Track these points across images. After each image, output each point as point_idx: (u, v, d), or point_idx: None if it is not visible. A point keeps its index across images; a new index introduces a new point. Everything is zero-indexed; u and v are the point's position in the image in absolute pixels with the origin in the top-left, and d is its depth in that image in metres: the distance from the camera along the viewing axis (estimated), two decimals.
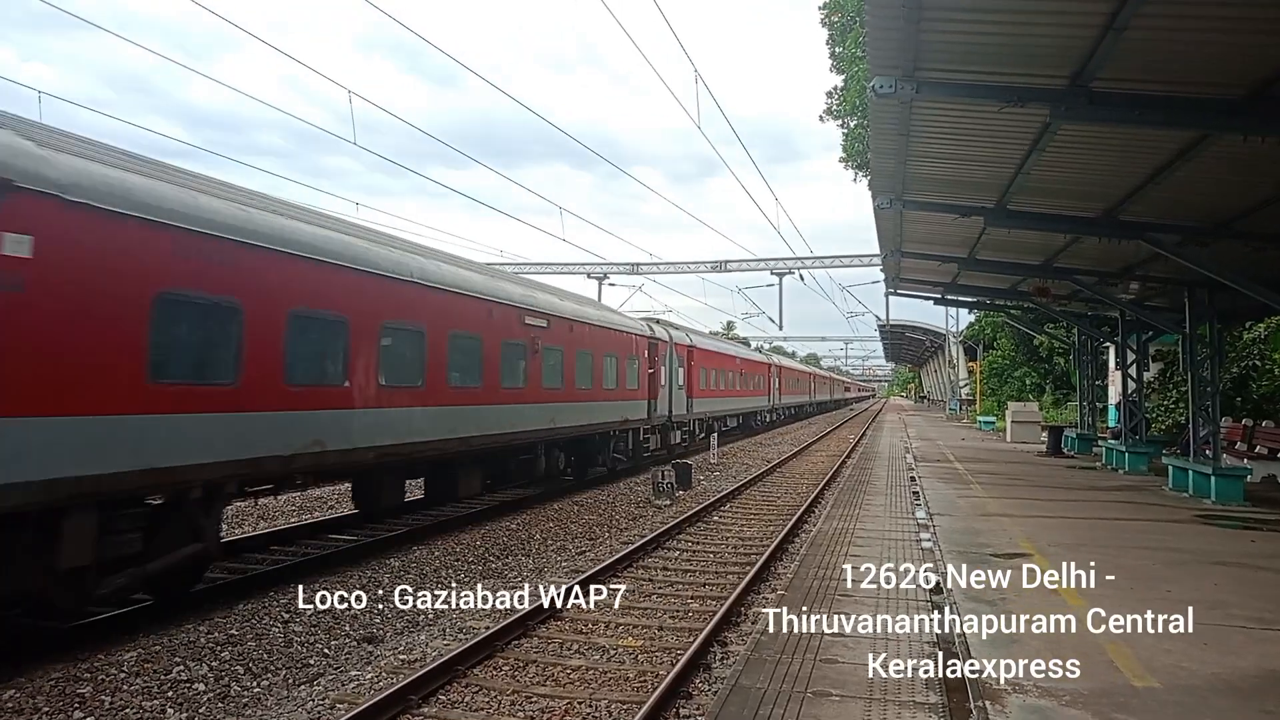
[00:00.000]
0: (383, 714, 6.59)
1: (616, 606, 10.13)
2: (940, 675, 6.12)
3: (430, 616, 10.06)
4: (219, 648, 8.49)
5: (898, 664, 6.37)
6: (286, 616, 9.58)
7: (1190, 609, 7.90)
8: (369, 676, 7.80)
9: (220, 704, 7.33)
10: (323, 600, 10.04)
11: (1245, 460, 20.18)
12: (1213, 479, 16.22)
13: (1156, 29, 7.92)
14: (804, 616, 7.63)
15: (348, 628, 9.48)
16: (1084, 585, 8.82)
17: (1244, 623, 7.53)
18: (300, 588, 10.42)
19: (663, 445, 26.83)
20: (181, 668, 7.96)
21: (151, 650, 8.28)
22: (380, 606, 10.27)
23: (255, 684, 7.83)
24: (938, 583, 9.01)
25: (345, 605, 10.05)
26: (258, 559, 12.10)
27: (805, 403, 67.58)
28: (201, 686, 7.61)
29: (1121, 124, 9.70)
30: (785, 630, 7.22)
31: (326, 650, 8.78)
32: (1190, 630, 7.21)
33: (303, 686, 7.74)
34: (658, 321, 29.22)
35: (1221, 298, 18.96)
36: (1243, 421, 23.54)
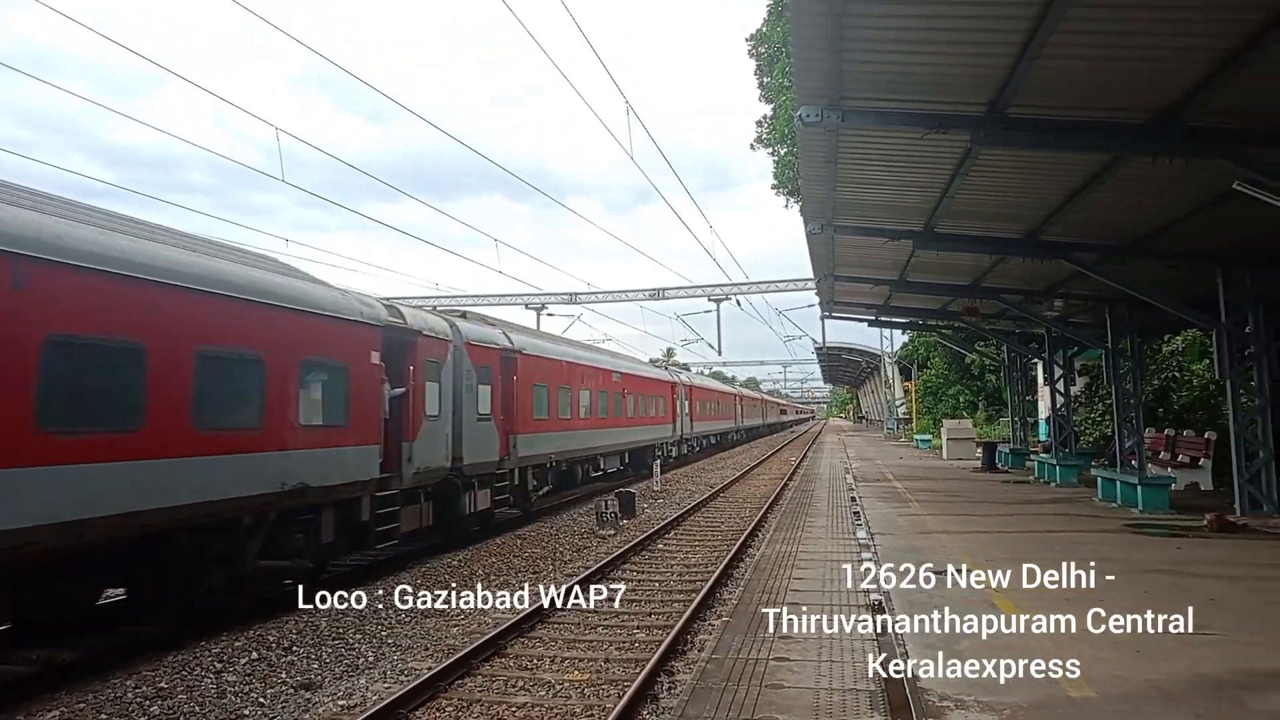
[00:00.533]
0: None
1: (562, 640, 10.02)
2: (884, 695, 6.16)
3: (370, 660, 9.82)
4: (147, 702, 8.15)
5: (843, 686, 6.40)
6: (219, 666, 9.25)
7: (1124, 619, 8.12)
8: None
9: None
10: (259, 646, 9.84)
11: (1169, 469, 20.84)
12: (1139, 489, 16.71)
13: (1066, 58, 8.24)
14: (749, 642, 7.64)
15: (284, 675, 9.18)
16: (1020, 599, 9.00)
17: (1174, 629, 7.72)
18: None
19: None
20: None
21: (75, 709, 7.92)
22: (318, 651, 10.01)
23: None
24: (880, 601, 9.09)
25: (281, 651, 9.85)
26: (190, 606, 11.67)
27: (729, 429, 57.20)
28: None
29: (1038, 148, 10.06)
30: (731, 657, 7.20)
31: (262, 699, 8.49)
32: (1123, 639, 7.39)
33: None
34: (435, 311, 18.17)
35: (1140, 313, 19.69)
36: (1165, 431, 24.34)
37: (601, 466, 27.72)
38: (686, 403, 44.30)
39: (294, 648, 10.03)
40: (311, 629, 10.74)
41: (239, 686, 8.77)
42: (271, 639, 10.21)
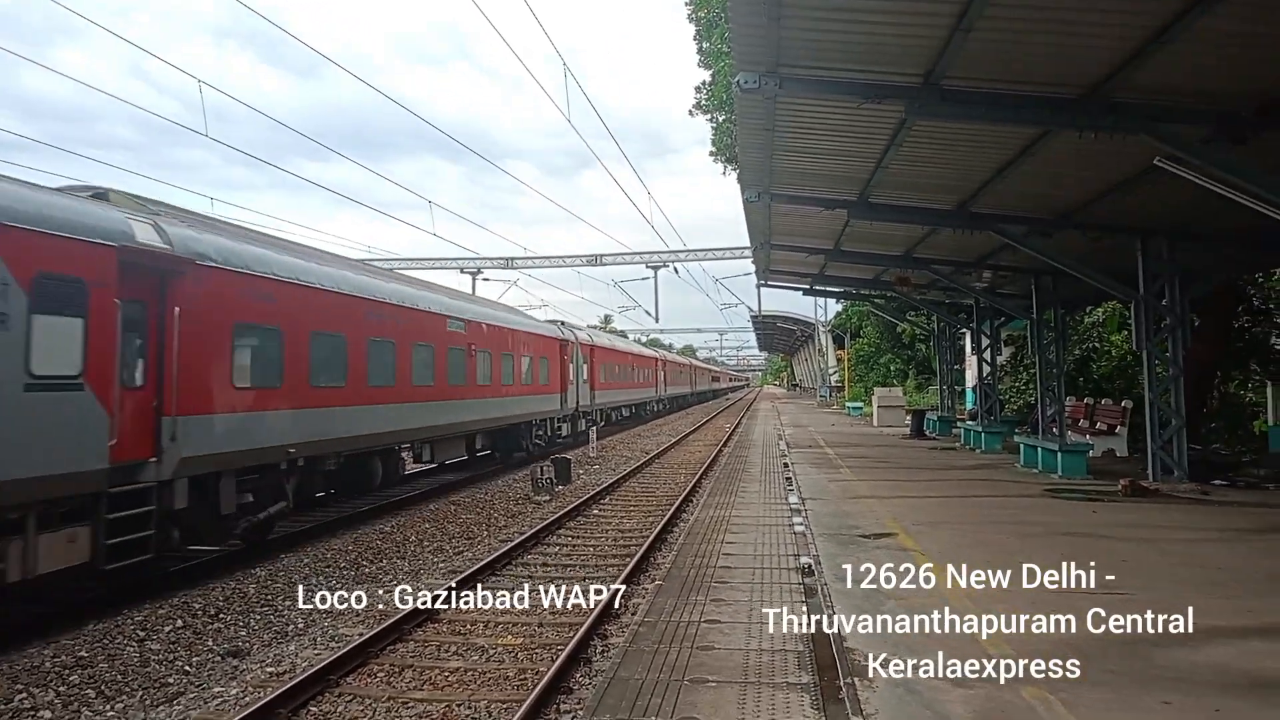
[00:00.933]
0: None
1: (496, 605, 10.01)
2: (812, 655, 6.29)
3: (300, 626, 9.70)
4: (66, 671, 7.94)
5: (772, 648, 6.53)
6: (142, 634, 9.04)
7: (1041, 579, 8.42)
8: (234, 692, 7.44)
9: None
10: (184, 614, 9.64)
11: (1087, 436, 21.58)
12: (1059, 455, 17.28)
13: (1000, 30, 8.35)
14: (681, 605, 7.73)
15: (210, 642, 9.02)
16: (944, 561, 9.25)
17: (1088, 589, 8.03)
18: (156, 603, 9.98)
19: None
20: (25, 694, 7.41)
21: None
22: (246, 618, 9.85)
23: (108, 707, 7.35)
24: (810, 565, 9.27)
25: (207, 618, 9.67)
26: (107, 572, 11.35)
27: (649, 399, 49.07)
28: (48, 714, 7.11)
29: (971, 120, 10.20)
30: (664, 620, 7.28)
31: (188, 667, 8.34)
32: (1040, 599, 7.66)
33: (161, 707, 7.33)
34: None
35: (1064, 285, 20.26)
36: (1085, 400, 25.18)
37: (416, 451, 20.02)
38: (585, 367, 35.19)
39: (221, 615, 9.85)
40: (239, 595, 10.56)
41: (163, 654, 8.59)
42: (197, 606, 10.01)
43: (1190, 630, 6.69)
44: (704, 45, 30.00)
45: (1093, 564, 9.09)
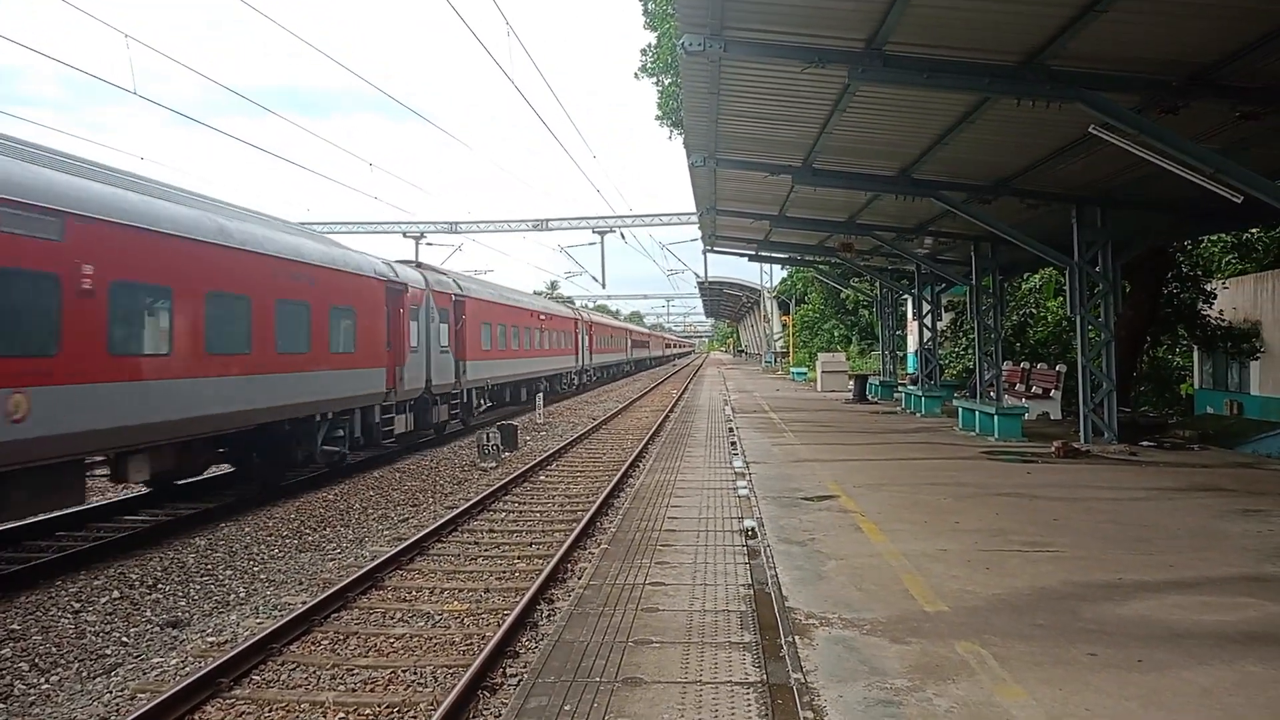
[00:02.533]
0: (189, 700, 6.21)
1: (441, 571, 10.00)
2: (755, 615, 6.40)
3: (241, 595, 9.59)
4: None
5: (715, 608, 6.62)
6: (78, 606, 8.86)
7: (975, 538, 8.68)
8: (174, 662, 7.34)
9: (2, 705, 6.69)
10: (120, 585, 9.45)
11: (1024, 400, 22.13)
12: (995, 418, 17.72)
13: None
14: (626, 569, 7.79)
15: (149, 613, 8.87)
16: (884, 522, 9.48)
17: (1020, 546, 8.30)
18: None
19: None
20: None
21: None
22: (186, 588, 9.70)
23: (43, 680, 7.20)
24: (753, 528, 9.41)
25: (145, 589, 9.49)
26: (41, 546, 11.09)
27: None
28: None
29: (913, 86, 10.26)
30: (609, 583, 7.34)
31: (125, 638, 8.19)
32: (975, 557, 7.89)
33: (99, 679, 7.20)
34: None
35: (1003, 251, 20.65)
36: (1021, 364, 25.81)
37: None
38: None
39: (159, 585, 9.69)
40: (178, 565, 10.39)
41: (100, 626, 8.43)
42: (134, 576, 9.83)
43: (1116, 585, 6.95)
44: (649, 6, 29.73)
45: (1025, 523, 9.41)
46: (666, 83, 30.29)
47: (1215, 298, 25.35)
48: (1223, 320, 25.07)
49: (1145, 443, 16.20)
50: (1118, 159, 11.87)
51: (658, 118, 32.40)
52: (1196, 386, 29.21)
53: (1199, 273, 25.96)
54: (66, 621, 8.45)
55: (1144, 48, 9.18)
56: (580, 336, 44.42)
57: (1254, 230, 25.46)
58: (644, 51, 31.50)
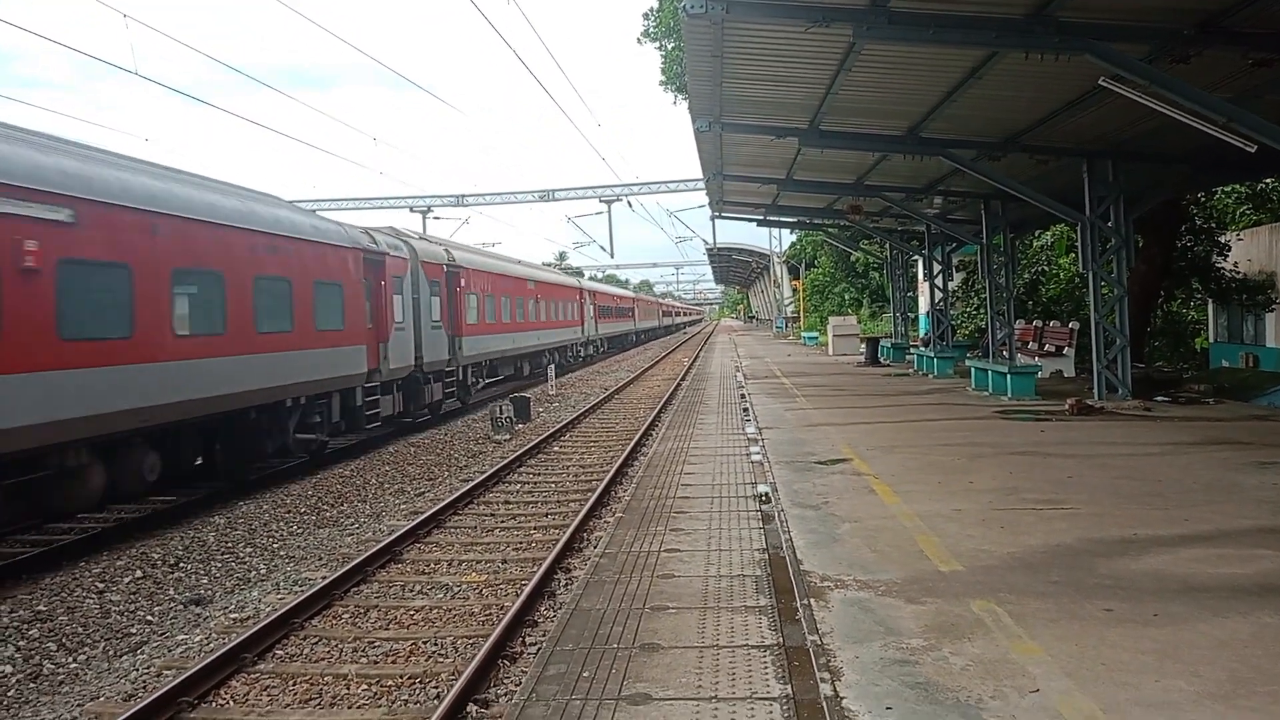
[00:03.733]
0: (214, 675, 6.31)
1: (459, 544, 10.09)
2: (770, 579, 6.44)
3: (262, 572, 9.70)
4: (26, 625, 7.87)
5: (730, 574, 6.66)
6: (102, 586, 8.99)
7: (989, 497, 8.68)
8: (198, 639, 7.44)
9: (32, 684, 6.82)
10: (143, 564, 9.58)
11: (1036, 358, 22.04)
12: (1009, 377, 17.64)
13: None
14: (641, 536, 7.83)
15: (172, 591, 9.00)
16: (898, 484, 9.48)
17: (1034, 505, 8.30)
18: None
19: None
20: None
21: None
22: (207, 566, 9.82)
23: (71, 660, 7.33)
24: (767, 493, 9.43)
25: (167, 568, 9.61)
26: (64, 529, 11.23)
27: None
28: (9, 669, 7.05)
29: (918, 43, 10.13)
30: (624, 551, 7.38)
31: (150, 617, 8.32)
32: (989, 516, 7.90)
33: (125, 657, 7.32)
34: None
35: (1013, 209, 20.46)
36: (1034, 323, 25.66)
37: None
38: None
39: (181, 564, 9.82)
40: (199, 544, 10.51)
41: (124, 605, 8.56)
42: (156, 556, 9.95)
43: (1131, 540, 6.95)
44: None
45: (1039, 481, 9.40)
46: (670, 47, 29.95)
47: (1230, 250, 25.06)
48: (1237, 272, 24.80)
49: (1160, 398, 16.12)
50: (1128, 111, 11.69)
51: (662, 83, 32.07)
52: (1211, 340, 28.97)
53: (1213, 225, 25.65)
54: (91, 602, 8.58)
55: None
56: (585, 307, 43.17)
57: (1268, 180, 25.08)
58: (646, 16, 31.15)
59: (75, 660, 7.31)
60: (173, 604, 8.66)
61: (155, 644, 7.55)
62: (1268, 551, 6.50)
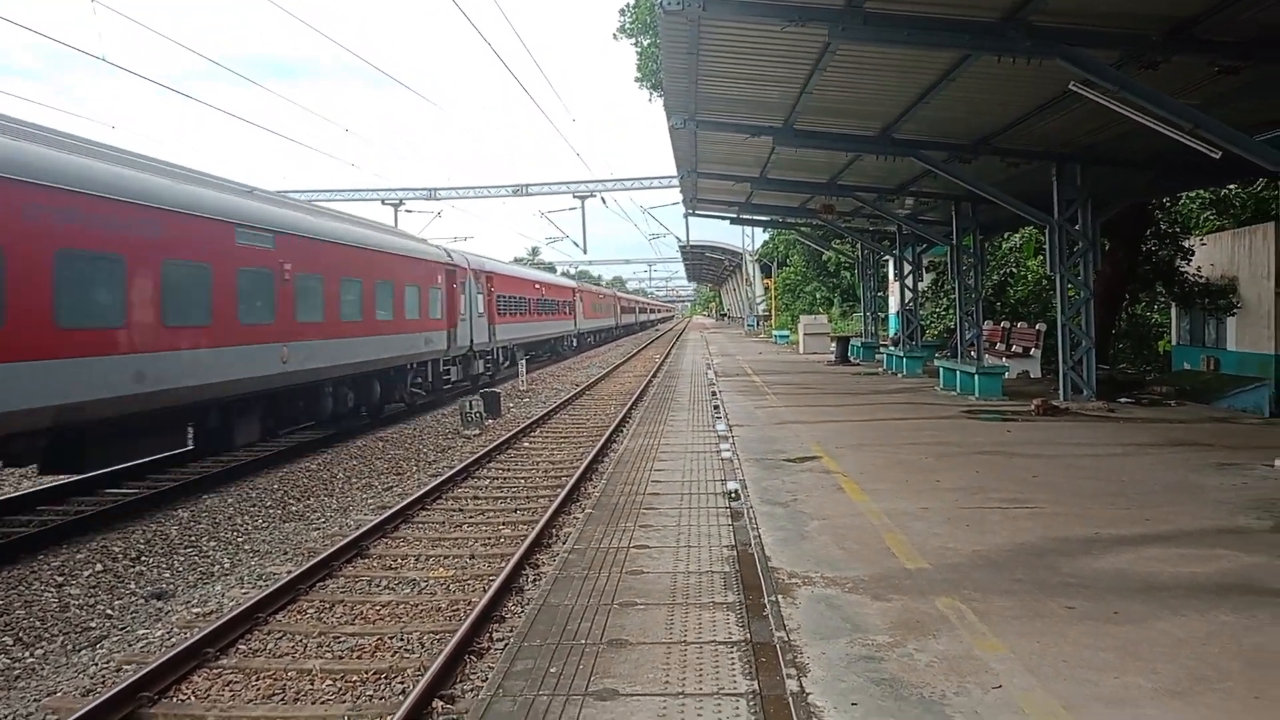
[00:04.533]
0: (176, 670, 6.22)
1: (426, 539, 10.02)
2: (738, 576, 6.45)
3: (226, 566, 9.59)
4: None
5: (699, 570, 6.67)
6: (60, 580, 8.83)
7: (956, 496, 8.76)
8: (160, 634, 7.34)
9: None
10: (103, 558, 9.42)
11: (1004, 359, 22.26)
12: (976, 377, 17.82)
13: None
14: (611, 532, 7.82)
15: (133, 585, 8.87)
16: (866, 482, 9.55)
17: (999, 504, 8.39)
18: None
19: None
20: None
21: None
22: (170, 560, 9.68)
23: (27, 654, 7.20)
24: (736, 490, 9.46)
25: (129, 561, 9.47)
26: (22, 521, 11.02)
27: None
28: None
29: (893, 44, 10.17)
30: (593, 547, 7.37)
31: (110, 611, 8.19)
32: (955, 515, 7.97)
33: (84, 651, 7.20)
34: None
35: (983, 210, 20.65)
36: (1002, 324, 25.92)
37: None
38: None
39: (143, 557, 9.68)
40: (161, 538, 10.36)
41: (84, 599, 8.42)
42: (117, 549, 9.80)
43: (1094, 539, 7.05)
44: None
45: (1005, 480, 9.50)
46: (646, 43, 29.93)
47: (1193, 254, 25.47)
48: (1200, 277, 25.22)
49: (1123, 399, 16.36)
50: (1097, 116, 11.84)
51: (637, 79, 32.06)
52: (1174, 343, 29.46)
53: (1177, 229, 26.05)
54: (50, 595, 8.43)
55: (1124, 2, 9.13)
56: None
57: (1232, 186, 25.51)
58: (623, 12, 31.10)
59: (32, 655, 7.18)
60: (134, 598, 8.53)
61: (115, 639, 7.43)
62: (1226, 551, 6.62)
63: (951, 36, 9.90)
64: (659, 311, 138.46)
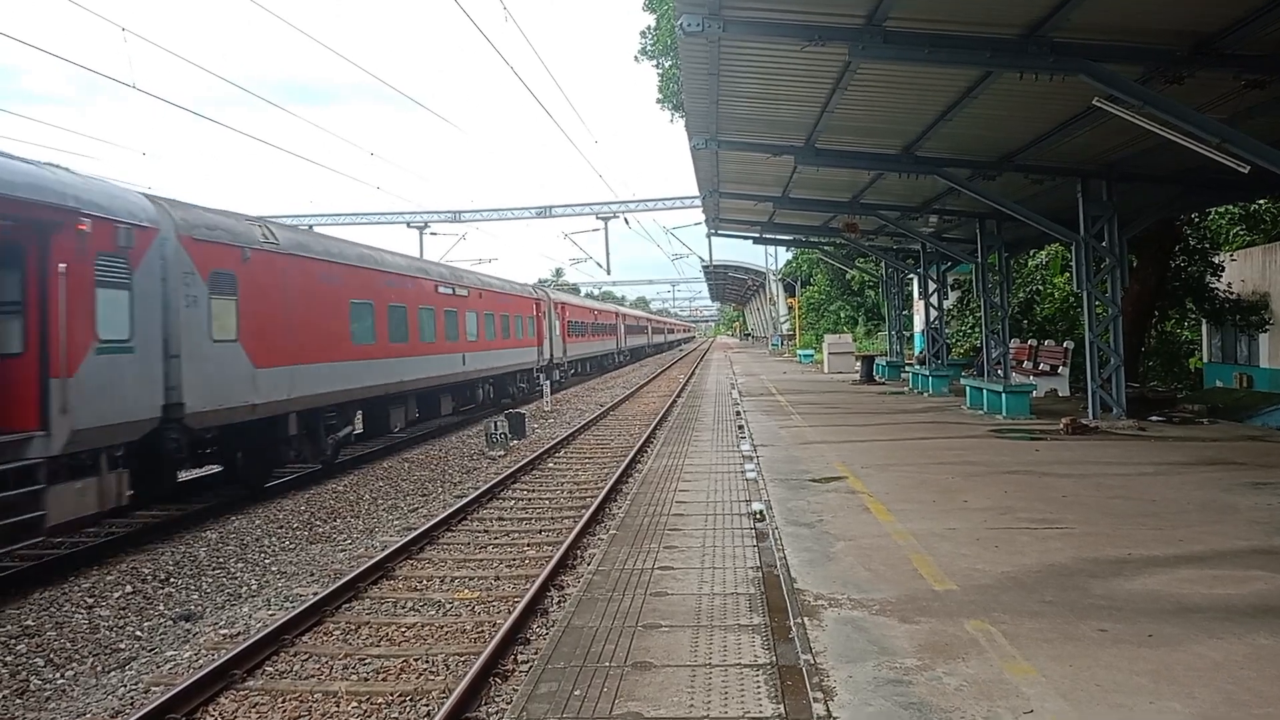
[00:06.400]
0: (203, 692, 6.25)
1: (452, 560, 10.03)
2: (763, 597, 6.41)
3: (254, 587, 9.64)
4: (13, 641, 7.80)
5: (724, 591, 6.63)
6: (91, 601, 8.91)
7: (984, 516, 8.66)
8: (187, 655, 7.38)
9: (19, 700, 6.75)
10: (133, 579, 9.50)
11: (1031, 377, 22.03)
12: (1003, 396, 17.64)
13: None
14: (635, 553, 7.80)
15: (162, 607, 8.93)
16: (893, 502, 9.46)
17: (1028, 524, 8.28)
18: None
19: None
20: None
21: None
22: (198, 581, 9.75)
23: (58, 675, 7.26)
24: (761, 510, 9.40)
25: (157, 583, 9.55)
26: (54, 543, 11.14)
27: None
28: None
29: (913, 62, 10.17)
30: (617, 568, 7.35)
31: (139, 632, 8.25)
32: (983, 535, 7.88)
33: (113, 673, 7.26)
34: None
35: (1008, 228, 20.54)
36: (1029, 342, 25.69)
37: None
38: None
39: (171, 579, 9.75)
40: (189, 559, 10.44)
41: (113, 620, 8.49)
42: (146, 571, 9.88)
43: (1125, 560, 6.93)
44: None
45: (1034, 500, 9.38)
46: (667, 65, 30.14)
47: (1223, 270, 25.15)
48: (1231, 293, 24.89)
49: (1154, 417, 16.13)
50: (1123, 132, 11.77)
51: (659, 101, 32.29)
52: (1205, 360, 29.05)
53: (1206, 245, 25.75)
54: (80, 617, 8.51)
55: (1147, 17, 9.08)
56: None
57: (1262, 201, 25.23)
58: (643, 34, 31.37)
59: (63, 676, 7.24)
60: (162, 619, 8.59)
61: (144, 660, 7.48)
62: (1262, 573, 6.48)
63: (972, 54, 9.88)
64: (680, 331, 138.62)
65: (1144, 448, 13.05)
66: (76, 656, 7.64)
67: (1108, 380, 16.15)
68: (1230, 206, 25.84)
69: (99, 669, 7.40)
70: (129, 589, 9.31)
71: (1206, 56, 9.44)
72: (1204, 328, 28.54)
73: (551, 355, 35.29)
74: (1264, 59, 9.46)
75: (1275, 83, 9.78)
